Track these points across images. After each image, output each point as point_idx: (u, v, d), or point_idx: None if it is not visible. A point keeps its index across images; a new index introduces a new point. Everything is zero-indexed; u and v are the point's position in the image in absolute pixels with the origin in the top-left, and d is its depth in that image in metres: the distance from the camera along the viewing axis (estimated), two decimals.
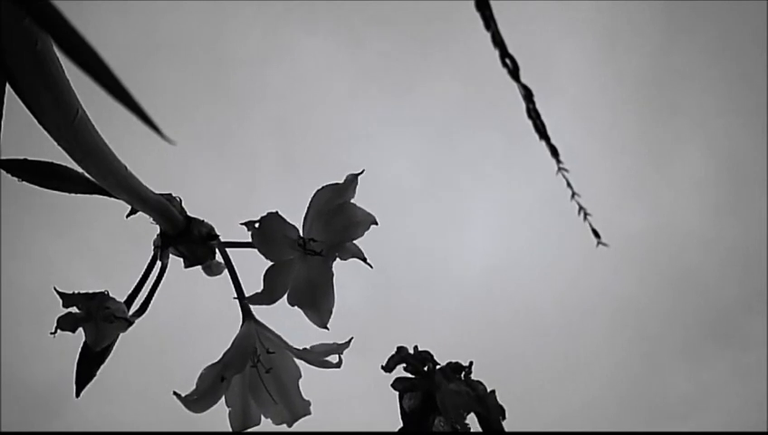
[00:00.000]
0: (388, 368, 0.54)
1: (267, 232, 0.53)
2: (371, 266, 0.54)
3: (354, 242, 0.55)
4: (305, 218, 0.54)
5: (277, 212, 0.53)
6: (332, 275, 0.54)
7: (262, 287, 0.54)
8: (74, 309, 0.51)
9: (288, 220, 0.54)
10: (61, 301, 0.51)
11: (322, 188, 0.55)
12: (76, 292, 0.51)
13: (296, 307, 0.55)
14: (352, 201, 0.55)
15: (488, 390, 0.54)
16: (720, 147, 1.61)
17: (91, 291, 0.52)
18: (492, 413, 0.52)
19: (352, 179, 0.54)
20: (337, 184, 0.55)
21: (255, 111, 1.45)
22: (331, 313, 0.54)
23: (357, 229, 0.54)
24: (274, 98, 1.46)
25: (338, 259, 0.55)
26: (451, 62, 1.49)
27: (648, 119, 1.60)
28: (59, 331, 0.50)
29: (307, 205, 0.55)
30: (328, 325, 0.55)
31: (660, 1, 1.55)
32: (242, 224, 0.53)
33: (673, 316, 1.59)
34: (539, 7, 1.46)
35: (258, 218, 0.53)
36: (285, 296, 0.54)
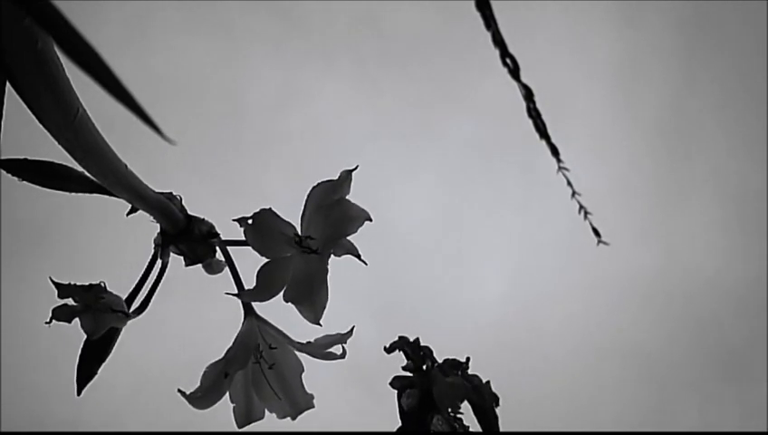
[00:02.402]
0: (389, 351, 0.54)
1: (260, 228, 0.53)
2: (366, 263, 0.54)
3: (349, 238, 0.55)
4: (302, 216, 0.54)
5: (270, 208, 0.53)
6: (327, 271, 0.54)
7: (255, 284, 0.54)
8: (70, 301, 0.51)
9: (282, 217, 0.54)
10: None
11: (318, 184, 0.55)
12: (72, 283, 0.51)
13: (290, 303, 0.55)
14: (347, 197, 0.55)
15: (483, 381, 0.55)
16: (733, 190, 1.62)
17: (87, 283, 0.52)
18: (486, 401, 0.52)
19: (347, 175, 0.54)
20: (332, 180, 0.55)
21: (271, 153, 1.46)
22: (324, 308, 0.54)
23: (351, 225, 0.54)
24: (291, 141, 1.47)
25: (333, 256, 0.55)
26: (468, 104, 1.50)
27: (663, 162, 1.61)
28: (54, 321, 0.50)
29: (304, 203, 0.55)
30: (321, 321, 0.55)
31: (675, 45, 1.56)
32: (234, 220, 0.53)
33: (684, 355, 1.60)
34: (556, 51, 1.47)
35: (251, 214, 0.53)
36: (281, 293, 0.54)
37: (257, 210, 0.53)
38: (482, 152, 1.54)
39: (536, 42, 1.42)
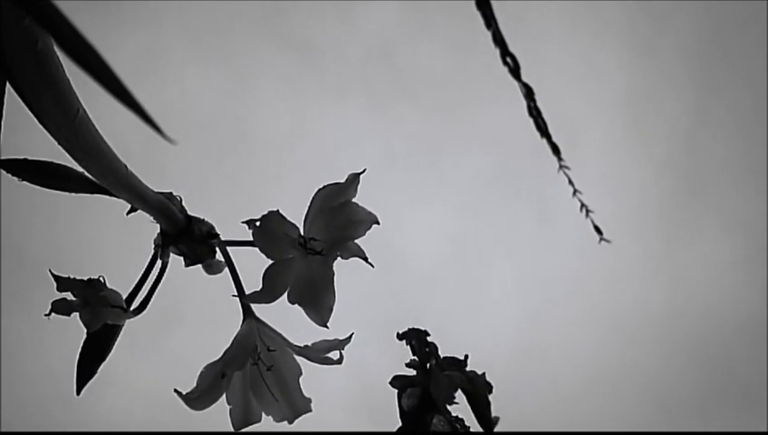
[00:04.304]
0: (400, 338, 0.54)
1: (268, 230, 0.53)
2: (373, 266, 0.54)
3: (356, 241, 0.55)
4: (306, 217, 0.54)
5: (278, 210, 0.53)
6: (333, 274, 0.54)
7: (261, 286, 0.54)
8: (69, 295, 0.51)
9: (289, 219, 0.54)
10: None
11: (324, 187, 0.55)
12: (72, 277, 0.51)
13: (296, 305, 0.55)
14: (354, 200, 0.55)
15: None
16: (742, 223, 1.62)
17: (86, 277, 0.52)
18: (479, 388, 0.53)
19: (354, 178, 0.54)
20: (338, 183, 0.54)
21: (282, 185, 1.46)
22: (331, 311, 0.54)
23: (358, 228, 0.54)
24: (302, 173, 1.47)
25: (339, 259, 0.55)
26: (481, 137, 1.50)
27: (672, 194, 1.61)
28: (53, 314, 0.50)
29: (308, 204, 0.55)
30: (328, 324, 0.55)
31: (688, 75, 1.56)
32: (243, 222, 0.53)
33: (692, 388, 1.60)
34: (566, 79, 1.47)
35: (259, 217, 0.53)
36: (285, 295, 0.55)
37: (265, 212, 0.53)
38: (494, 185, 1.54)
39: (546, 69, 1.42)
